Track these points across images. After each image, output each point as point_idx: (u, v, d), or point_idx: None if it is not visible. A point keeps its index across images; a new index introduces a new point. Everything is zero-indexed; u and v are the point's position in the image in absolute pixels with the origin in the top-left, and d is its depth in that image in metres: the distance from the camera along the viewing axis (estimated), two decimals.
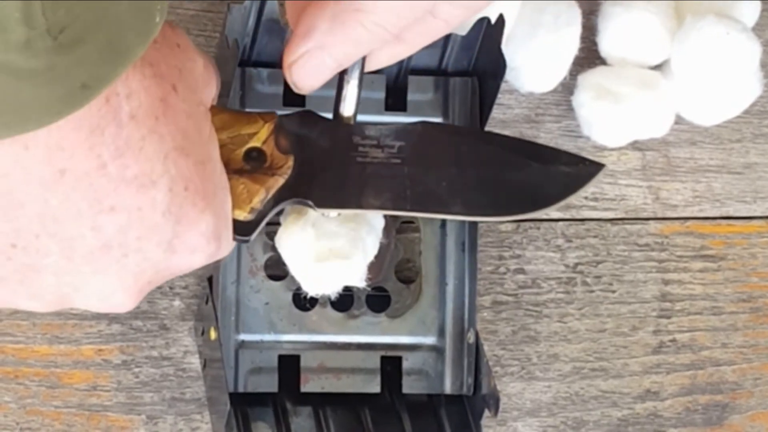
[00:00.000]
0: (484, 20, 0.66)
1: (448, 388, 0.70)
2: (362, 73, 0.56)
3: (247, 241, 0.55)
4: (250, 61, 0.67)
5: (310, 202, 0.56)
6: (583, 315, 0.78)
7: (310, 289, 0.64)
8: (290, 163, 0.55)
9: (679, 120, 0.79)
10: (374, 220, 0.64)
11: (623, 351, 0.78)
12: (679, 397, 0.80)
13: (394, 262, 0.70)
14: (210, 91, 0.53)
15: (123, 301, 0.51)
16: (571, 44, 0.75)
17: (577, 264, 0.78)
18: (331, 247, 0.62)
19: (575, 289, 0.78)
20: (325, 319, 0.68)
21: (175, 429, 0.71)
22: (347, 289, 0.68)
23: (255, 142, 0.55)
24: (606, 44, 0.77)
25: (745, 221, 0.81)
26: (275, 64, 0.66)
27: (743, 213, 0.81)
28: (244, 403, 0.67)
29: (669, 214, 0.80)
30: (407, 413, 0.69)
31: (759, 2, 0.79)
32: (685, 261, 0.80)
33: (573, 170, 0.59)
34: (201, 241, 0.51)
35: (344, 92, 0.57)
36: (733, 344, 0.81)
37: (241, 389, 0.67)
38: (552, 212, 0.77)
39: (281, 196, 0.55)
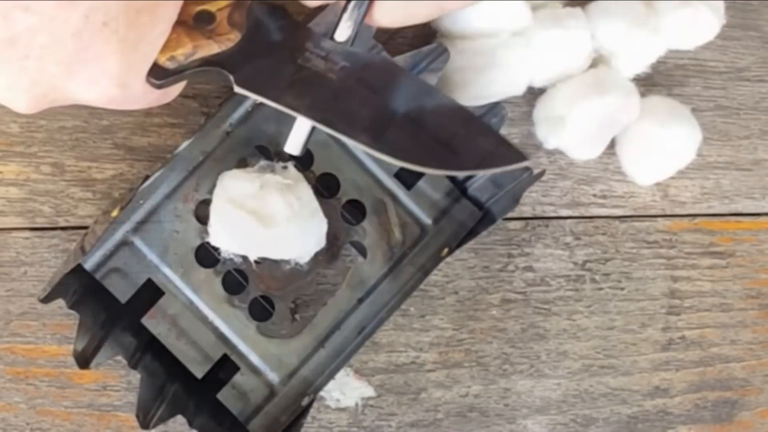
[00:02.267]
0: (529, 171, 0.68)
1: (255, 428, 0.68)
2: (364, 11, 0.56)
3: (158, 87, 0.55)
4: None
5: (232, 77, 0.55)
6: (591, 312, 0.78)
7: (213, 234, 0.64)
8: (233, 37, 0.55)
9: None
10: (319, 237, 0.65)
11: (632, 348, 0.78)
12: (688, 393, 0.80)
13: (298, 291, 0.69)
14: None
15: (18, 100, 0.54)
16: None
17: (585, 261, 0.78)
18: (259, 207, 0.62)
19: (584, 287, 0.78)
20: (208, 285, 0.67)
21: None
22: (243, 275, 0.68)
23: (210, 6, 0.55)
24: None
25: (753, 218, 0.81)
26: None
27: (752, 209, 0.81)
28: (89, 286, 0.65)
29: (677, 211, 0.79)
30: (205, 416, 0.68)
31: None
32: (693, 258, 0.80)
33: (495, 150, 0.56)
34: (102, 79, 0.53)
35: (341, 20, 0.56)
36: (742, 341, 0.81)
37: (97, 276, 0.66)
38: (560, 210, 0.77)
39: (209, 60, 0.55)
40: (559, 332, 0.77)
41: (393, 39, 0.72)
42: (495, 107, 0.69)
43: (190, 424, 0.66)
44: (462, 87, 0.70)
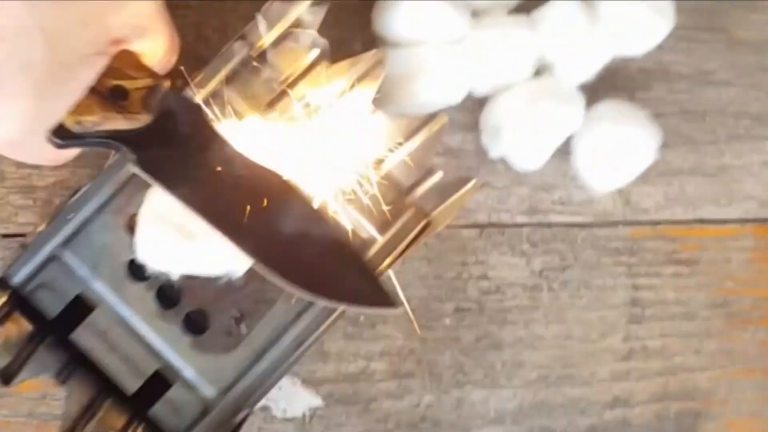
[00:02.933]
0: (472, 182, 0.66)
1: None
2: None
3: (58, 146, 0.54)
4: None
5: (132, 156, 0.56)
6: (549, 321, 0.76)
7: (140, 251, 0.62)
8: (143, 118, 0.56)
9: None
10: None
11: (591, 358, 0.77)
12: (650, 404, 0.78)
13: (235, 305, 0.67)
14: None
15: None
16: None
17: (542, 270, 0.76)
18: (185, 222, 0.60)
19: (541, 295, 0.76)
20: (141, 299, 0.65)
21: None
22: (177, 289, 0.66)
23: (127, 84, 0.56)
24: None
25: (719, 225, 0.79)
26: None
27: (717, 216, 0.79)
28: (14, 300, 0.64)
29: (640, 218, 0.78)
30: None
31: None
32: (655, 266, 0.78)
33: (363, 290, 0.59)
34: (6, 119, 0.54)
35: None
36: (707, 350, 0.79)
37: (25, 290, 0.64)
38: (517, 217, 0.76)
39: (114, 134, 0.55)
40: (515, 341, 0.76)
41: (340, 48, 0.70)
42: (437, 116, 0.67)
43: None
44: (399, 95, 0.69)
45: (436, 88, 0.70)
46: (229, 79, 0.65)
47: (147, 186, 0.64)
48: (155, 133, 0.56)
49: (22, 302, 0.64)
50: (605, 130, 0.73)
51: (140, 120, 0.56)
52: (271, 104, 0.65)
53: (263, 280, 0.68)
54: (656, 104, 0.78)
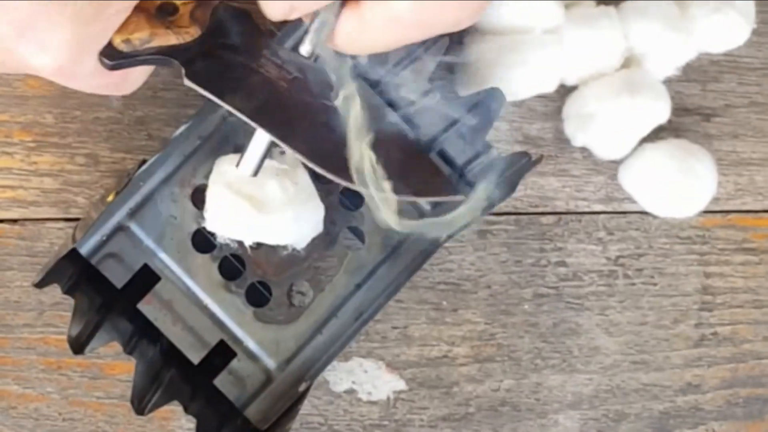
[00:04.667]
0: (528, 157, 0.66)
1: (251, 414, 0.68)
2: (327, 31, 0.55)
3: (109, 68, 0.54)
4: None
5: (183, 70, 0.54)
6: (624, 308, 0.77)
7: (209, 219, 0.63)
8: (193, 32, 0.55)
9: (720, 113, 0.79)
10: (316, 223, 0.65)
11: (664, 344, 0.78)
12: (720, 390, 0.79)
13: (296, 277, 0.68)
14: None
15: None
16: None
17: (618, 257, 0.77)
18: (255, 192, 0.61)
19: (617, 282, 0.77)
20: (205, 271, 0.66)
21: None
22: (240, 261, 0.67)
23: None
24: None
25: None
26: None
27: None
28: (84, 272, 0.65)
29: (711, 207, 0.79)
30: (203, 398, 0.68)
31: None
32: (726, 254, 0.79)
33: (430, 180, 0.58)
34: (51, 48, 0.52)
35: (306, 36, 0.55)
36: None
37: (92, 261, 0.65)
38: (594, 205, 0.77)
39: (163, 50, 0.55)
40: (592, 327, 0.77)
41: None
42: (493, 92, 0.67)
43: (186, 409, 0.65)
44: (492, 82, 0.70)
45: (531, 78, 0.72)
46: None
47: (213, 156, 0.65)
48: (205, 45, 0.55)
49: (90, 272, 0.65)
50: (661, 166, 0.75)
51: (190, 33, 0.55)
52: None
53: (324, 251, 0.69)
54: (727, 96, 0.80)
